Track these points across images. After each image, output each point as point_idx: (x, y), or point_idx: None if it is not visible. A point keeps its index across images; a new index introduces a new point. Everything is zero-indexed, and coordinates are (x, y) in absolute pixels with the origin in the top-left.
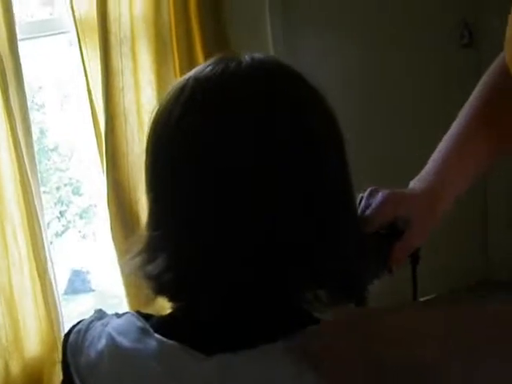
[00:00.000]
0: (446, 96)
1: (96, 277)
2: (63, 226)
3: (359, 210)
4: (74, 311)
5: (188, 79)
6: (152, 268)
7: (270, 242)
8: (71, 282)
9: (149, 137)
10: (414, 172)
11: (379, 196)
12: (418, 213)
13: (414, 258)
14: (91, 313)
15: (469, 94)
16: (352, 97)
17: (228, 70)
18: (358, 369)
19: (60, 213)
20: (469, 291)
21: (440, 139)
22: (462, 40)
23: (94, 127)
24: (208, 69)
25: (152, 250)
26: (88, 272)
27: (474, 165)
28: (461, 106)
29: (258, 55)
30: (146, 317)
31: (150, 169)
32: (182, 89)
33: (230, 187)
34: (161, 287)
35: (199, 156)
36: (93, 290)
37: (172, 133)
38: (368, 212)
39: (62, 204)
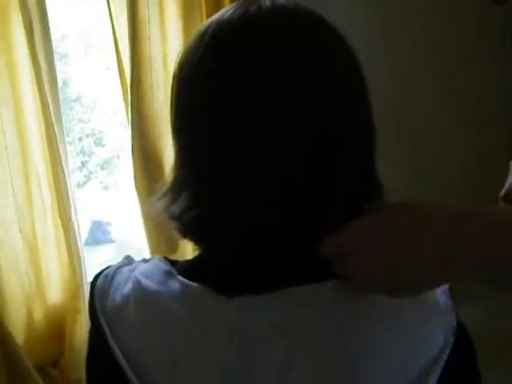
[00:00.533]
0: (477, 53)
1: (117, 228)
2: (85, 176)
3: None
4: (94, 262)
5: (210, 23)
6: (175, 207)
7: (296, 184)
8: (92, 232)
9: (173, 79)
10: (442, 132)
11: None
12: None
13: None
14: (112, 263)
15: (498, 51)
16: (379, 52)
17: (248, 13)
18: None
19: (82, 163)
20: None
21: (470, 98)
22: None
23: (120, 76)
24: (229, 12)
25: (176, 189)
26: (109, 223)
27: None
28: (490, 64)
29: (281, 0)
30: (173, 262)
31: (174, 109)
32: (204, 33)
33: (254, 128)
34: (184, 227)
35: (221, 96)
36: (113, 241)
37: (195, 74)
38: None
39: (84, 155)
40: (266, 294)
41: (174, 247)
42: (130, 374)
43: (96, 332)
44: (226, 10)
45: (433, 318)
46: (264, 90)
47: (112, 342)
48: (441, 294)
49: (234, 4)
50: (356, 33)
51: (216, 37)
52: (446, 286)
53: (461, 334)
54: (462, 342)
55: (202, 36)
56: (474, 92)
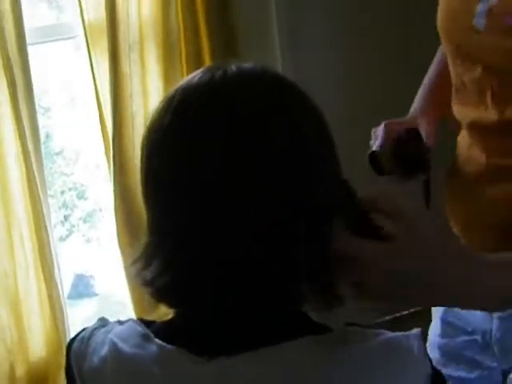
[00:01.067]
0: None
1: (100, 281)
2: (67, 230)
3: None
4: (77, 316)
5: (177, 88)
6: (147, 273)
7: (254, 236)
8: (75, 286)
9: (142, 144)
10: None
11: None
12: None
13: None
14: (94, 318)
15: None
16: (358, 109)
17: (215, 79)
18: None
19: (64, 217)
20: None
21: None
22: None
23: (102, 131)
24: (196, 78)
25: (148, 255)
26: (92, 276)
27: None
28: None
29: (246, 65)
30: (148, 323)
31: (143, 176)
32: (173, 97)
33: (217, 193)
34: (157, 293)
35: (187, 160)
36: (96, 295)
37: (162, 140)
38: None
39: (67, 208)
40: (246, 355)
41: (157, 303)
42: None
43: None
44: (193, 76)
45: (409, 366)
46: (233, 154)
47: None
48: (413, 339)
49: (200, 70)
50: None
51: (183, 101)
52: (418, 332)
53: (437, 381)
54: None
55: (170, 101)
56: None
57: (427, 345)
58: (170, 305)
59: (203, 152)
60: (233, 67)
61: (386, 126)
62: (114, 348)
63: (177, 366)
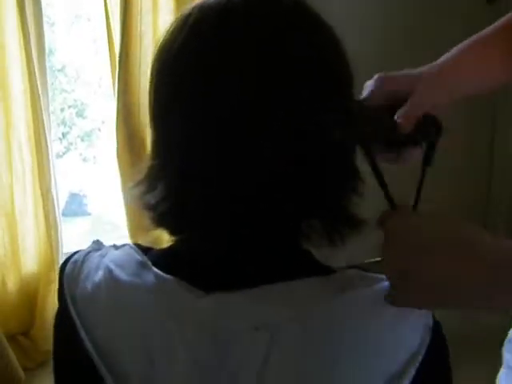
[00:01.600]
0: None
1: (93, 201)
2: (65, 147)
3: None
4: (69, 234)
5: (193, 7)
6: (150, 197)
7: (270, 174)
8: (68, 204)
9: (153, 63)
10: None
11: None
12: (421, 83)
13: (427, 158)
14: (86, 236)
15: None
16: (370, 50)
17: (230, 2)
18: None
19: (62, 134)
20: None
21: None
22: None
23: (109, 49)
24: None
25: (152, 179)
26: (85, 196)
27: (486, 69)
28: None
29: None
30: (145, 250)
31: (152, 94)
32: (187, 17)
33: (232, 116)
34: (159, 217)
35: (203, 79)
36: (89, 214)
37: (175, 58)
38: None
39: (65, 125)
40: (244, 291)
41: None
42: (102, 369)
43: (65, 322)
44: None
45: (411, 316)
46: (248, 75)
47: (83, 333)
48: None
49: None
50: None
51: (200, 19)
52: None
53: (436, 333)
54: (437, 340)
55: (186, 18)
56: None
57: None
58: (171, 231)
59: (219, 74)
60: None
61: (377, 80)
62: (110, 274)
63: (174, 297)
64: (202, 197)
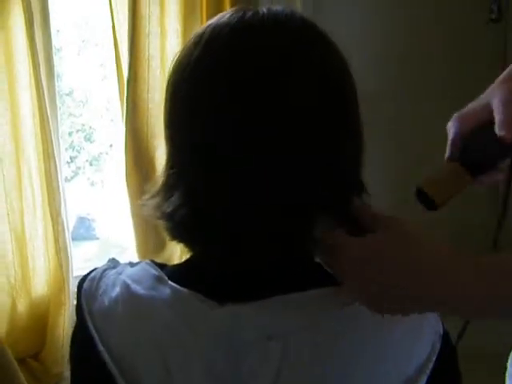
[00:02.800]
0: (474, 70)
1: (101, 225)
2: (73, 171)
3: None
4: (78, 257)
5: (208, 26)
6: (167, 206)
7: (290, 189)
8: (76, 228)
9: (169, 77)
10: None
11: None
12: (496, 95)
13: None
14: (95, 260)
15: (496, 68)
16: (376, 67)
17: (246, 18)
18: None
19: (70, 158)
20: None
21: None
22: (490, 15)
23: (117, 72)
24: (227, 16)
25: (168, 188)
26: (93, 220)
27: None
28: (488, 80)
29: (276, 7)
30: (161, 266)
31: (168, 107)
32: (202, 35)
33: (249, 128)
34: (175, 226)
35: (218, 95)
36: (97, 238)
37: (190, 73)
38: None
39: (73, 150)
40: (257, 302)
41: (161, 246)
42: (119, 380)
43: (83, 337)
44: (224, 15)
45: (424, 323)
46: (260, 93)
47: (101, 347)
48: None
49: (229, 10)
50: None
51: (214, 38)
52: None
53: (446, 341)
54: (448, 349)
55: (199, 37)
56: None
57: None
58: (188, 240)
59: (232, 89)
60: (263, 8)
61: (456, 119)
62: (127, 289)
63: (191, 309)
64: (218, 207)
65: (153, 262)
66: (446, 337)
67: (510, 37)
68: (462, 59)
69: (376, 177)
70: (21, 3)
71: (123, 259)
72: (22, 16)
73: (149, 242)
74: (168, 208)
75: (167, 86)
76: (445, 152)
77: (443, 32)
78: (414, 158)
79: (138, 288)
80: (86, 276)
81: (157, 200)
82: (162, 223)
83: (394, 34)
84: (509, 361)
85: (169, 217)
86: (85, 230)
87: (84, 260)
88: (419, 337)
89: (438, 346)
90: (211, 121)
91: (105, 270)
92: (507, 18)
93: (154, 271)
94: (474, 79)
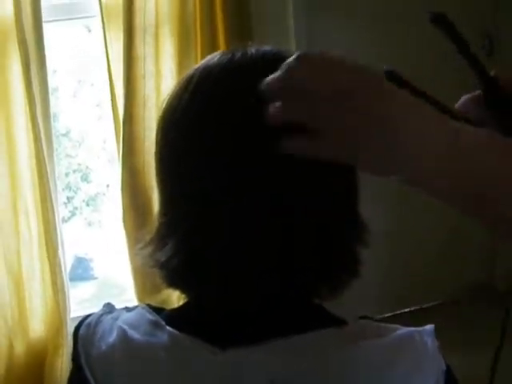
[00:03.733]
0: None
1: (99, 265)
2: (70, 212)
3: None
4: (76, 298)
5: (197, 69)
6: (161, 254)
7: (284, 238)
8: (74, 268)
9: (159, 123)
10: None
11: None
12: None
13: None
14: (93, 300)
15: None
16: None
17: (233, 61)
18: None
19: (67, 199)
20: (473, 300)
21: None
22: (482, 50)
23: (113, 112)
24: (215, 59)
25: (161, 237)
26: (91, 260)
27: None
28: None
29: (266, 48)
30: (157, 310)
31: (159, 154)
32: (191, 78)
33: (241, 173)
34: (170, 275)
35: (208, 140)
36: (95, 278)
37: (180, 118)
38: None
39: (70, 190)
40: (258, 345)
41: (160, 286)
42: None
43: (80, 382)
44: (212, 57)
45: (425, 363)
46: (250, 137)
47: None
48: (427, 336)
49: (218, 52)
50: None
51: (203, 81)
52: (431, 328)
53: (449, 376)
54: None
55: (188, 80)
56: None
57: None
58: (183, 288)
59: (223, 132)
60: (252, 49)
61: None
62: (124, 335)
63: (189, 354)
64: (214, 256)
65: (149, 306)
66: (448, 372)
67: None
68: (459, 91)
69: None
70: (17, 44)
71: (123, 299)
72: (19, 56)
73: (147, 282)
74: (162, 257)
75: (157, 131)
76: None
77: (435, 60)
78: None
79: (134, 334)
80: (81, 322)
81: (150, 249)
82: (156, 271)
83: (386, 52)
84: None
85: (163, 266)
86: (83, 270)
87: (82, 300)
88: (422, 376)
89: (441, 382)
90: (201, 165)
91: (101, 316)
92: (499, 52)
93: (151, 316)
94: None
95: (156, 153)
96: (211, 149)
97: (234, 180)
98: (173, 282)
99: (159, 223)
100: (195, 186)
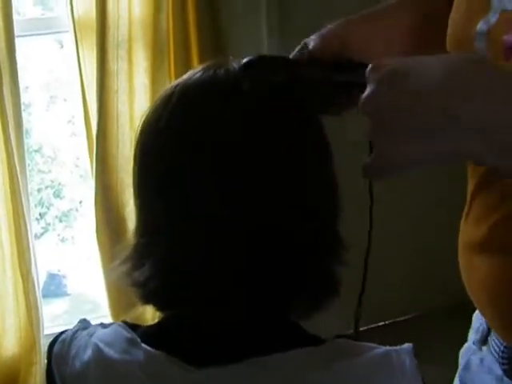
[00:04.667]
0: None
1: (72, 281)
2: (42, 228)
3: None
4: (48, 315)
5: (176, 86)
6: (138, 274)
7: (262, 254)
8: (47, 285)
9: (137, 143)
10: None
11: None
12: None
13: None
14: (66, 317)
15: None
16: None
17: (217, 77)
18: None
19: (40, 215)
20: (447, 313)
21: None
22: None
23: (86, 128)
24: (196, 76)
25: (139, 256)
26: (64, 276)
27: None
28: None
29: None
30: (134, 327)
31: (137, 175)
32: (170, 96)
33: (222, 195)
34: (148, 294)
35: (190, 159)
36: (68, 295)
37: (159, 139)
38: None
39: (43, 206)
40: (234, 364)
41: (134, 301)
42: None
43: None
44: (194, 73)
45: (403, 382)
46: (229, 151)
47: None
48: (405, 355)
49: (202, 66)
50: None
51: (184, 98)
52: (409, 347)
53: None
54: None
55: (168, 97)
56: None
57: None
58: (160, 307)
59: (205, 151)
60: (234, 64)
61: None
62: (99, 353)
63: (164, 373)
64: (192, 276)
65: (125, 323)
66: None
67: None
68: None
69: None
70: None
71: (97, 315)
72: None
73: (121, 298)
74: (139, 277)
75: (135, 148)
76: None
77: None
78: None
79: (110, 351)
80: (56, 338)
81: (127, 267)
82: (132, 290)
83: None
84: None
85: (140, 285)
86: (56, 287)
87: (55, 317)
88: None
89: None
90: (180, 180)
91: (76, 332)
92: None
93: (127, 333)
94: None
95: (134, 172)
96: (190, 163)
97: (212, 193)
98: (149, 301)
99: (137, 241)
100: (174, 201)
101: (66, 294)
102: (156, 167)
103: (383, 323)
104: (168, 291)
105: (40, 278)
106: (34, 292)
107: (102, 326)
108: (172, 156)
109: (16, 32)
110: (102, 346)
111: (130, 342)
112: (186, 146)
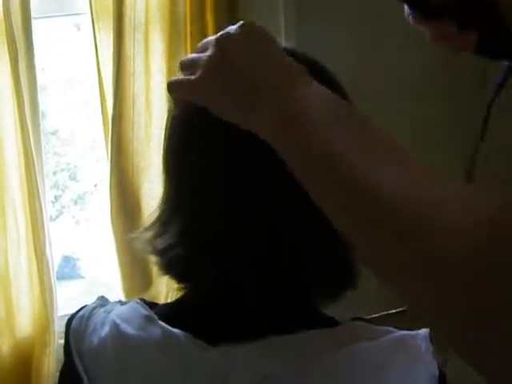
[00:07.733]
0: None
1: (86, 264)
2: (57, 210)
3: None
4: (63, 297)
5: None
6: (160, 242)
7: (285, 233)
8: (61, 267)
9: (169, 116)
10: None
11: None
12: None
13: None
14: (80, 299)
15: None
16: (361, 97)
17: None
18: None
19: (55, 197)
20: None
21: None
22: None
23: (102, 111)
24: None
25: (162, 223)
26: (78, 259)
27: None
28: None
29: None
30: (151, 305)
31: (166, 148)
32: None
33: (246, 174)
34: (169, 263)
35: (211, 135)
36: (82, 277)
37: (186, 121)
38: None
39: (58, 189)
40: (250, 343)
41: (147, 284)
42: None
43: (71, 377)
44: None
45: (418, 366)
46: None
47: None
48: (421, 340)
49: None
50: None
51: None
52: (425, 332)
53: (442, 383)
54: None
55: None
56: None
57: None
58: (180, 278)
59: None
60: None
61: None
62: (116, 329)
63: (181, 350)
64: (214, 242)
65: (143, 300)
66: (441, 379)
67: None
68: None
69: None
70: (5, 41)
71: (110, 298)
72: (7, 54)
73: (135, 281)
74: (161, 245)
75: (166, 124)
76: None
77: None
78: None
79: (127, 328)
80: (74, 314)
81: (150, 234)
82: (153, 258)
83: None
84: None
85: (161, 253)
86: (70, 269)
87: (69, 299)
88: (413, 377)
89: None
90: (207, 162)
91: (94, 309)
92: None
93: (144, 310)
94: (450, 117)
95: (165, 142)
96: (210, 147)
97: (231, 170)
98: (169, 271)
99: (161, 210)
100: (200, 181)
101: (79, 277)
102: (182, 145)
103: (401, 309)
104: (189, 258)
105: (54, 260)
106: (49, 273)
107: (120, 303)
108: (195, 136)
109: (33, 14)
110: (119, 322)
111: (147, 318)
112: (205, 128)
